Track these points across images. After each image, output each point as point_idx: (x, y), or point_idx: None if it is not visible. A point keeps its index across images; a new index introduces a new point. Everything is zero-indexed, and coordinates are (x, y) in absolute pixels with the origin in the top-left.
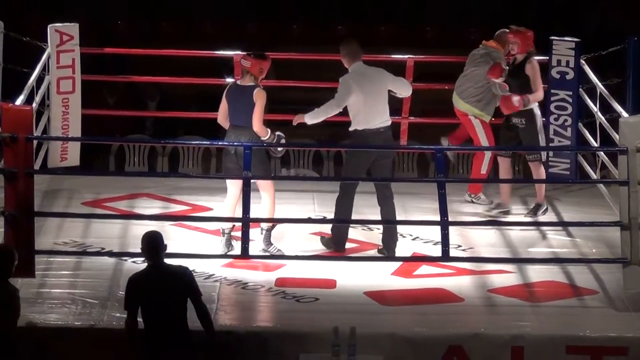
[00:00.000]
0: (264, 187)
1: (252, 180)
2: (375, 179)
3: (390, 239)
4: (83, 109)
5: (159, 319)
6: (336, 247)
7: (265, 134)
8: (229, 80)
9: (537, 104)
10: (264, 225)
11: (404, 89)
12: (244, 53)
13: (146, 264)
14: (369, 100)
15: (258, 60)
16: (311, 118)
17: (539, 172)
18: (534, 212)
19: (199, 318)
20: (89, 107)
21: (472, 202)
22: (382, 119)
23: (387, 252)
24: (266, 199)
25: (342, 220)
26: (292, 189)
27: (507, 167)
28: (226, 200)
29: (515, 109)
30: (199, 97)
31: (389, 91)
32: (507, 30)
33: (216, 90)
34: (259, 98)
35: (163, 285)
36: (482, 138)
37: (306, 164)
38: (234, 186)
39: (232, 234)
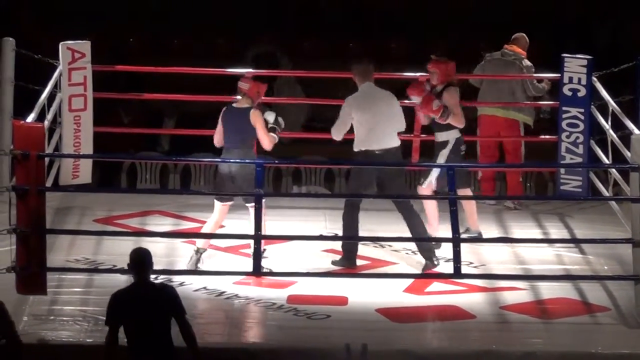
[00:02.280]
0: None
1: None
2: (387, 196)
3: (427, 250)
4: (96, 126)
5: (143, 336)
6: (348, 263)
7: (274, 141)
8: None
9: (457, 132)
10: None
11: (400, 124)
12: (245, 72)
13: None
14: (370, 122)
15: (256, 83)
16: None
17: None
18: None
19: (183, 336)
20: (103, 125)
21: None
22: (384, 141)
23: (429, 262)
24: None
25: (353, 237)
26: (304, 206)
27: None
28: (210, 219)
29: (430, 111)
30: (213, 114)
31: None
32: (524, 35)
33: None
34: (257, 121)
35: (147, 302)
36: (523, 147)
37: (318, 181)
38: (225, 208)
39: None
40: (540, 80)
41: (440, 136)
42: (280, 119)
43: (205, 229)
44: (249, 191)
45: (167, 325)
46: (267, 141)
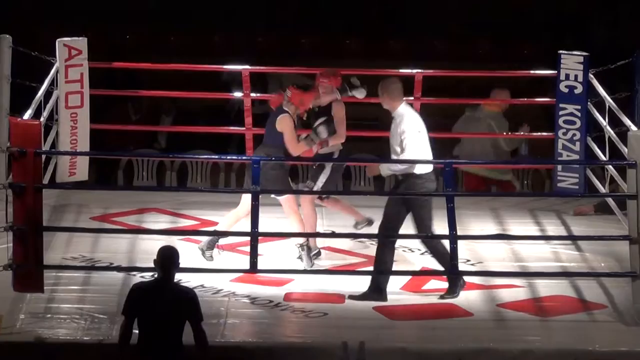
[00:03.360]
0: (285, 207)
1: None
2: (397, 192)
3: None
4: (93, 123)
5: (155, 334)
6: (377, 297)
7: (303, 148)
8: (237, 94)
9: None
10: (298, 241)
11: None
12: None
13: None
14: (423, 144)
15: (300, 92)
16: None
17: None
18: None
19: (196, 342)
20: (108, 122)
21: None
22: (429, 165)
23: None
24: (290, 218)
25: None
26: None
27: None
28: (232, 211)
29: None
30: (208, 111)
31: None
32: (503, 91)
33: (225, 105)
34: (284, 127)
35: (167, 301)
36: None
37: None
38: (246, 201)
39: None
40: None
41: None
42: (320, 129)
43: (224, 219)
44: (268, 186)
45: (181, 328)
46: (291, 147)
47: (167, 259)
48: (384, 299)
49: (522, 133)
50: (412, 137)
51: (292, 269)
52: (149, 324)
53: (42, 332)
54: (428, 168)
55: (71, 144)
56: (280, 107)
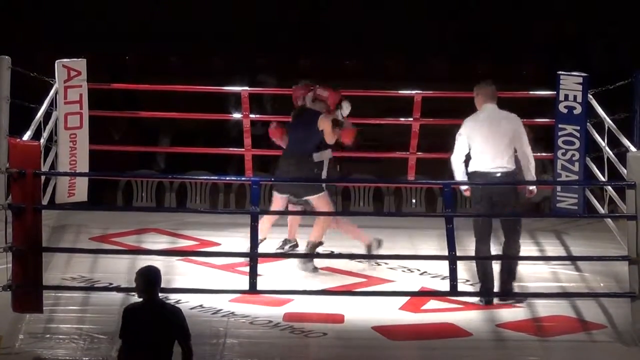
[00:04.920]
0: (316, 203)
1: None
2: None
3: (504, 280)
4: (91, 144)
5: (143, 353)
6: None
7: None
8: (236, 115)
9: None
10: (310, 240)
11: (521, 147)
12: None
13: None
14: (482, 143)
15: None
16: (457, 175)
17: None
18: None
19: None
20: (96, 142)
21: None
22: (496, 163)
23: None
24: (318, 218)
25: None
26: (300, 223)
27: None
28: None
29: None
30: (207, 132)
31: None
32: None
33: (223, 126)
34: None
35: (153, 321)
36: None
37: None
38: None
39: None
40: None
41: (317, 157)
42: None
43: (263, 222)
44: (302, 192)
45: (171, 347)
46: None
47: (152, 279)
48: (492, 302)
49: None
50: (458, 139)
51: (291, 289)
52: (137, 345)
53: (41, 352)
54: (485, 167)
55: (70, 165)
56: (304, 107)
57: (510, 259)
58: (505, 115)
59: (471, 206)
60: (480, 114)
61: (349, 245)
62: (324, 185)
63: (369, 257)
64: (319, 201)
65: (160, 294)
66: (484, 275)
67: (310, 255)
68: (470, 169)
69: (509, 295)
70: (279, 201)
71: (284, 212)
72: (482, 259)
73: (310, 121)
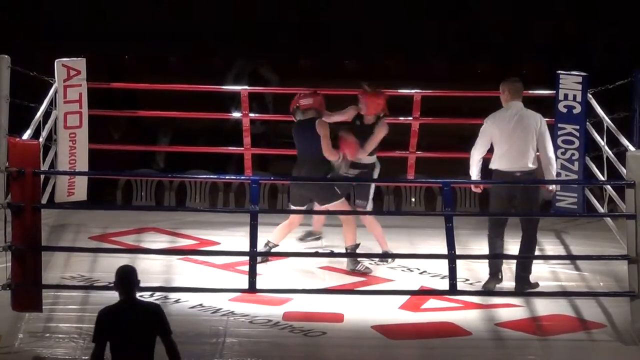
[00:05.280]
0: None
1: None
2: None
3: (520, 274)
4: (91, 143)
5: (128, 354)
6: (493, 281)
7: (336, 156)
8: (236, 114)
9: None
10: (347, 245)
11: (545, 147)
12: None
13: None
14: (505, 141)
15: (317, 95)
16: (471, 172)
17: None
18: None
19: (168, 356)
20: (96, 142)
21: None
22: (518, 162)
23: (520, 285)
24: (344, 222)
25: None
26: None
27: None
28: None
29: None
30: (207, 131)
31: None
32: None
33: (223, 125)
34: (321, 130)
35: (133, 321)
36: None
37: None
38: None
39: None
40: None
41: (366, 159)
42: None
43: (278, 228)
44: (320, 195)
45: (152, 345)
46: (327, 152)
47: (127, 279)
48: (500, 280)
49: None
50: (481, 133)
51: (291, 288)
52: (120, 346)
53: (40, 351)
54: (506, 166)
55: (70, 164)
56: (300, 121)
57: (510, 257)
58: (531, 114)
59: (489, 200)
60: (507, 111)
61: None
62: (339, 192)
63: (368, 256)
64: (339, 208)
65: (159, 293)
66: (494, 264)
67: (311, 254)
68: (493, 167)
69: (522, 285)
70: (297, 214)
71: (287, 211)
72: (481, 258)
73: (310, 132)
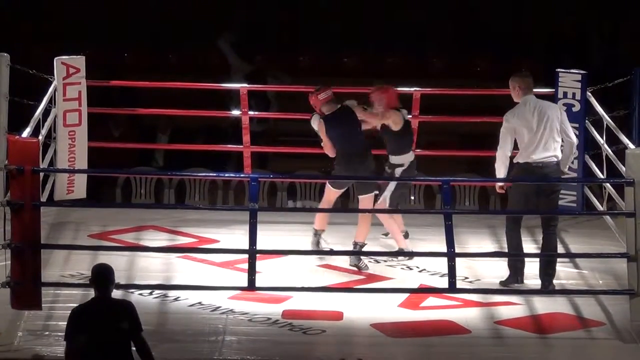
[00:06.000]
0: (362, 203)
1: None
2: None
3: (545, 271)
4: (90, 141)
5: (101, 351)
6: (513, 279)
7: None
8: (236, 112)
9: (412, 155)
10: (357, 240)
11: (568, 135)
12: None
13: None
14: (530, 134)
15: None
16: (498, 172)
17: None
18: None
19: (138, 353)
20: (95, 139)
21: None
22: (543, 154)
23: (543, 284)
24: (362, 218)
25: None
26: (299, 220)
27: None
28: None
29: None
30: (206, 129)
31: None
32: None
33: (222, 123)
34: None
35: (104, 317)
36: None
37: (313, 195)
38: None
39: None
40: None
41: (395, 159)
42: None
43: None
44: (363, 183)
45: (127, 343)
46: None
47: (101, 276)
48: (522, 281)
49: None
50: (503, 134)
51: (290, 286)
52: (93, 344)
53: (40, 349)
54: (532, 158)
55: (69, 162)
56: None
57: (512, 256)
58: (550, 104)
59: (509, 194)
60: (525, 105)
61: (350, 243)
62: (381, 186)
63: (367, 254)
64: (366, 201)
65: (158, 291)
66: (515, 262)
67: (312, 252)
68: (520, 160)
69: (549, 283)
70: (333, 194)
71: (286, 209)
72: (481, 256)
73: (347, 119)
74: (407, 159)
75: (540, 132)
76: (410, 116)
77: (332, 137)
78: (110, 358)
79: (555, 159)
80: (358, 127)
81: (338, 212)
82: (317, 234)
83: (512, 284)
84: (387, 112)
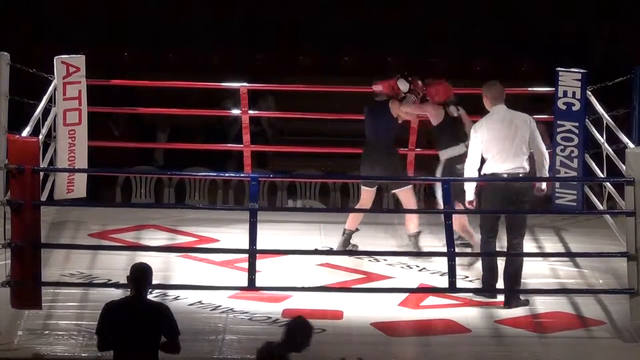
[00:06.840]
0: (403, 197)
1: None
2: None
3: (510, 287)
4: (90, 140)
5: (130, 350)
6: (489, 295)
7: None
8: (235, 111)
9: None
10: (410, 231)
11: (538, 146)
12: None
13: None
14: (499, 145)
15: (387, 80)
16: (468, 187)
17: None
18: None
19: (166, 349)
20: (95, 138)
21: None
22: (511, 164)
23: (507, 303)
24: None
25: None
26: (299, 220)
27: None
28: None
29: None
30: (205, 128)
31: None
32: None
33: (221, 122)
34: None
35: (138, 318)
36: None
37: (313, 195)
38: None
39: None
40: None
41: (440, 153)
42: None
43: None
44: (390, 184)
45: (156, 344)
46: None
47: (140, 277)
48: (493, 297)
49: None
50: (470, 147)
51: (290, 286)
52: (124, 343)
53: (40, 348)
54: (499, 169)
55: (69, 161)
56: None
57: (511, 255)
58: (520, 114)
59: (481, 205)
60: (493, 115)
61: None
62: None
63: (367, 254)
64: (405, 195)
65: (158, 290)
66: (489, 272)
67: (312, 252)
68: (487, 171)
69: (513, 300)
70: (369, 194)
71: (286, 209)
72: (483, 255)
73: (380, 113)
74: (447, 153)
75: (509, 143)
76: (460, 112)
77: (366, 125)
78: (140, 357)
79: (522, 170)
80: (387, 123)
81: (370, 212)
82: (346, 234)
83: (489, 298)
84: (425, 105)
